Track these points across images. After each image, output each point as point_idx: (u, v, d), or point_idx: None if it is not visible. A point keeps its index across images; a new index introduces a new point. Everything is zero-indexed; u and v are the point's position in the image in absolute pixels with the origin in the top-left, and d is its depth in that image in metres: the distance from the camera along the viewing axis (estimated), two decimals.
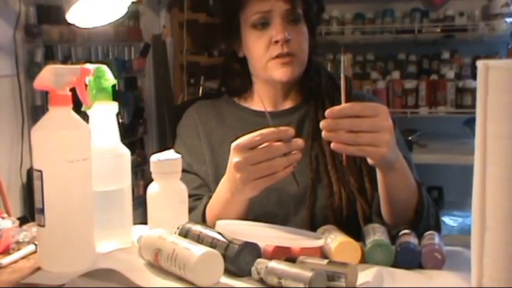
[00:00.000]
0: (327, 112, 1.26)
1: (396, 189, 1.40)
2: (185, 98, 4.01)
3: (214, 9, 4.01)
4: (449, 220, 3.76)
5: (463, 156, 3.26)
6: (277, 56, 1.57)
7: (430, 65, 4.08)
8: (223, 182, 1.42)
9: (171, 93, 4.06)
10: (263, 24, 1.59)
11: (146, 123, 3.84)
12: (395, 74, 3.99)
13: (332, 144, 1.27)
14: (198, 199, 1.56)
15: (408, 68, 4.09)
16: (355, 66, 4.13)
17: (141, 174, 3.73)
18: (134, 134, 3.70)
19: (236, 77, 1.73)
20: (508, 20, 3.78)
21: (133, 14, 3.66)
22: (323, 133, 1.27)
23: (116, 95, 1.37)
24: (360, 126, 1.25)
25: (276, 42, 1.56)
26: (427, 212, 1.44)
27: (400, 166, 1.37)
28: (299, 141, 1.29)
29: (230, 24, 1.65)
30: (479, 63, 0.99)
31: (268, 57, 1.58)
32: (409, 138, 3.66)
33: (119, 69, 3.47)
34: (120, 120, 3.39)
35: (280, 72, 1.58)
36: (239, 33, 1.64)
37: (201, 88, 3.99)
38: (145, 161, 3.49)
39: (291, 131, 1.29)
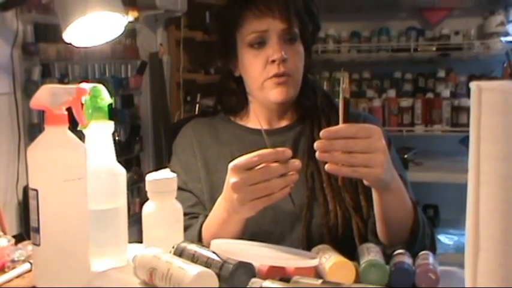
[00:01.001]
0: (321, 133, 1.27)
1: (392, 209, 1.41)
2: (181, 116, 4.00)
3: (211, 27, 4.02)
4: (444, 238, 3.76)
5: (459, 175, 3.25)
6: (274, 76, 1.58)
7: (426, 83, 4.09)
8: (220, 201, 1.42)
9: (167, 110, 4.05)
10: (260, 43, 1.59)
11: (142, 140, 3.83)
12: (391, 92, 4.01)
13: (326, 166, 1.27)
14: (193, 217, 1.56)
15: (404, 86, 4.11)
16: (351, 85, 4.15)
17: (138, 192, 3.72)
18: (130, 152, 3.69)
19: (232, 96, 1.73)
20: (503, 39, 3.80)
21: (130, 32, 3.66)
22: (317, 154, 1.27)
23: (112, 113, 1.38)
24: (354, 147, 1.26)
25: (273, 61, 1.57)
26: (422, 232, 1.44)
27: (396, 186, 1.37)
28: (296, 162, 1.29)
29: (227, 44, 1.66)
30: (473, 85, 0.99)
31: (265, 76, 1.59)
32: (405, 156, 3.67)
33: (116, 87, 3.46)
34: (117, 138, 3.40)
35: (275, 92, 1.59)
36: (235, 53, 1.65)
37: (197, 106, 3.99)
38: (142, 179, 3.49)
39: (288, 152, 1.29)
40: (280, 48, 1.57)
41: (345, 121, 1.30)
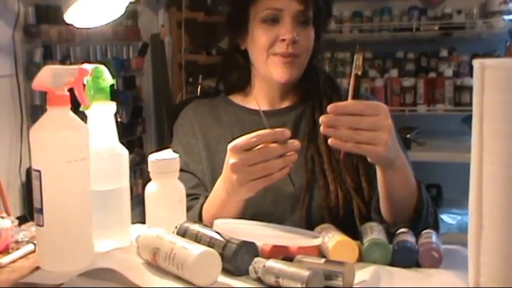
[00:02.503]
0: (329, 107, 1.26)
1: (396, 187, 1.40)
2: (183, 97, 4.01)
3: (212, 8, 4.01)
4: (447, 218, 3.76)
5: (462, 154, 3.25)
6: (281, 54, 1.57)
7: (428, 62, 4.08)
8: (220, 182, 1.42)
9: (169, 92, 4.06)
10: (273, 20, 1.58)
11: (145, 122, 3.84)
12: (394, 72, 4.00)
13: (330, 140, 1.27)
14: (194, 198, 1.56)
15: (406, 66, 4.09)
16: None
17: (140, 173, 3.73)
18: (133, 133, 3.70)
19: (235, 71, 1.73)
20: (506, 17, 3.78)
21: (131, 14, 3.66)
22: (322, 128, 1.27)
23: (114, 95, 1.38)
24: (360, 124, 1.25)
25: (283, 40, 1.57)
26: (426, 211, 1.44)
27: (400, 164, 1.37)
28: (295, 143, 1.29)
29: (239, 17, 1.65)
30: (476, 63, 0.99)
31: (271, 51, 1.58)
32: (408, 136, 3.67)
33: (118, 68, 3.47)
34: (119, 120, 3.40)
35: (279, 72, 1.58)
36: (246, 27, 1.64)
37: (199, 87, 3.99)
38: (144, 160, 3.48)
39: (287, 132, 1.29)
40: (293, 29, 1.57)
41: (354, 98, 1.30)
